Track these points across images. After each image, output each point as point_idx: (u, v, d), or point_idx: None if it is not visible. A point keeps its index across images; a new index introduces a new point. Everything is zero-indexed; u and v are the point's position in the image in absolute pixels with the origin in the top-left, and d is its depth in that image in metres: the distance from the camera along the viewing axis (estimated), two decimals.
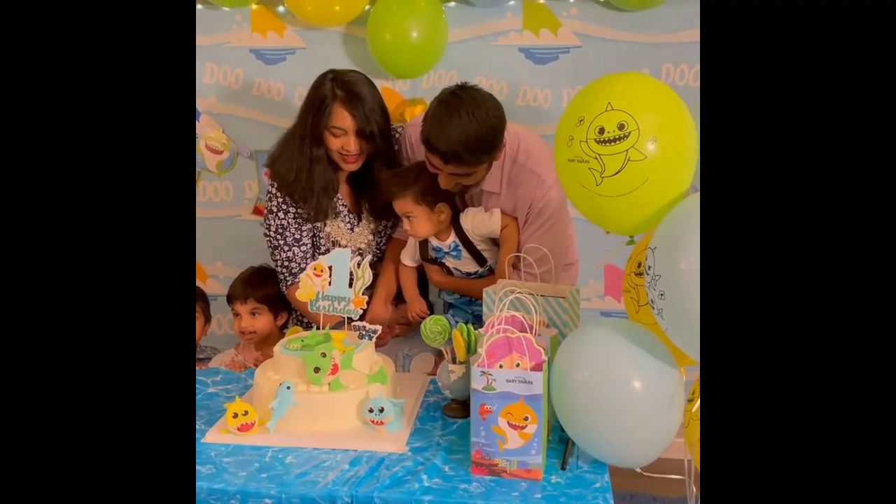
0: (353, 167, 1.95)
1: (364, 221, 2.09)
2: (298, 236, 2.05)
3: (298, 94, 2.71)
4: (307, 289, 1.59)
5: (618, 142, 1.22)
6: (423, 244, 1.98)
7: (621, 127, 1.22)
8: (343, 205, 2.06)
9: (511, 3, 2.55)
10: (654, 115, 1.24)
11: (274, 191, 2.02)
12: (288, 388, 1.44)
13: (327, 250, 2.06)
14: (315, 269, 1.60)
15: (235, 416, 1.44)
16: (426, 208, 1.85)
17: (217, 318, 2.78)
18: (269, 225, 2.05)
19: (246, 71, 2.76)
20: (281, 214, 2.03)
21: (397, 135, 2.08)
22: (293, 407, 1.45)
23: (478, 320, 1.91)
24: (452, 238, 1.94)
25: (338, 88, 1.87)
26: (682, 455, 1.47)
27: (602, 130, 1.24)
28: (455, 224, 1.94)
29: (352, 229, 2.08)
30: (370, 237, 2.10)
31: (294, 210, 2.02)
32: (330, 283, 1.58)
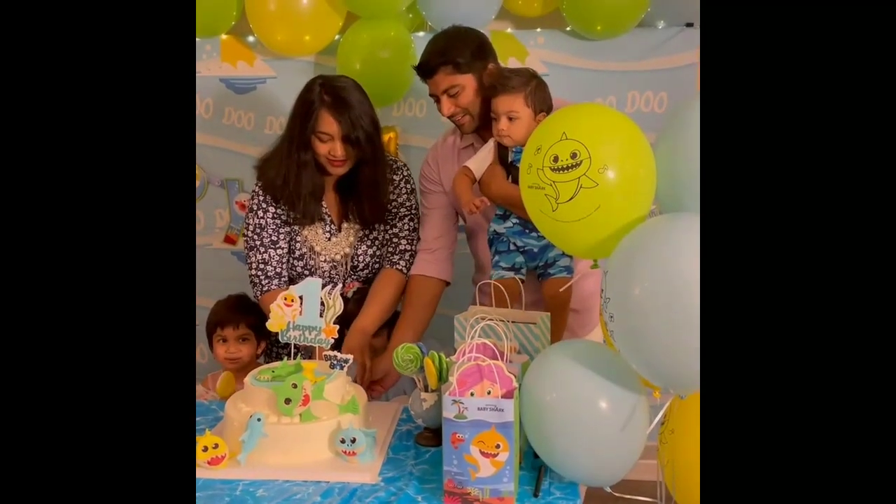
0: (342, 170, 1.96)
1: (343, 233, 2.07)
2: (275, 238, 2.03)
3: (269, 123, 2.73)
4: (278, 318, 1.59)
5: (570, 169, 1.27)
6: (503, 146, 1.88)
7: (574, 156, 1.27)
8: (326, 213, 2.06)
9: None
10: (607, 144, 1.28)
11: (257, 189, 2.03)
12: (258, 419, 1.43)
13: (302, 255, 2.06)
14: (286, 298, 1.59)
15: (205, 449, 1.42)
16: (532, 112, 1.81)
17: None
18: (248, 224, 2.05)
19: (216, 100, 2.77)
20: (260, 213, 2.02)
21: (395, 175, 2.07)
22: (264, 439, 1.43)
23: (529, 257, 1.84)
24: None
25: (325, 94, 1.89)
26: (656, 477, 1.48)
27: (556, 159, 1.28)
28: None
29: (329, 238, 2.07)
30: (347, 249, 2.08)
31: (273, 210, 2.02)
32: (301, 313, 1.58)
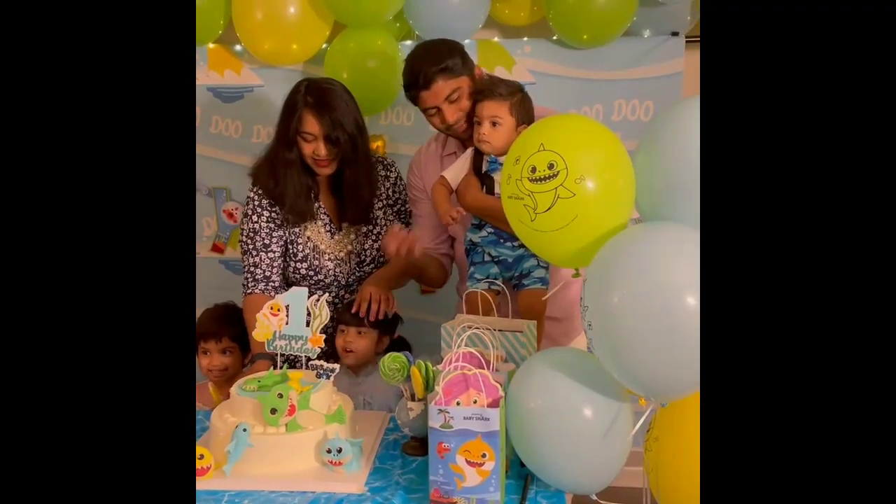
0: (327, 171, 1.98)
1: (344, 231, 2.10)
2: (268, 242, 2.05)
3: (256, 132, 2.73)
4: (263, 328, 1.58)
5: (547, 180, 1.28)
6: (478, 156, 1.87)
7: (551, 166, 1.28)
8: (325, 213, 2.08)
9: (466, 41, 2.60)
10: (584, 155, 1.29)
11: (252, 194, 2.06)
12: (244, 430, 1.42)
13: (305, 256, 2.07)
14: (272, 308, 1.59)
15: None
16: (514, 120, 1.80)
17: None
18: (243, 229, 2.08)
19: (203, 108, 2.77)
20: (255, 217, 2.04)
21: (390, 172, 2.11)
22: (250, 449, 1.42)
23: (504, 267, 1.83)
24: None
25: (308, 95, 1.93)
26: (642, 484, 1.48)
27: (534, 169, 1.29)
28: None
29: (332, 236, 2.09)
30: (350, 247, 2.10)
31: (268, 214, 2.04)
32: (287, 322, 1.58)
